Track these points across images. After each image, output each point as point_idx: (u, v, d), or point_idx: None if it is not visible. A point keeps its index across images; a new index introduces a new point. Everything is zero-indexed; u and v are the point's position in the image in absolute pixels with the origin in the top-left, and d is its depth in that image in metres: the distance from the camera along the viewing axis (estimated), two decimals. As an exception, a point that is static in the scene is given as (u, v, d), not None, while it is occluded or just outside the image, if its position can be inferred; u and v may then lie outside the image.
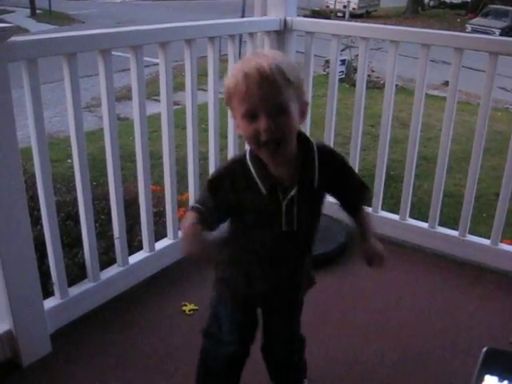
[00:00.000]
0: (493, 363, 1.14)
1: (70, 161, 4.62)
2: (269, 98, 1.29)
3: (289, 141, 1.36)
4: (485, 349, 1.17)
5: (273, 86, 1.29)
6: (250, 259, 1.53)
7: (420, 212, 3.33)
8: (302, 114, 1.38)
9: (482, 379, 1.09)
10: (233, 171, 1.43)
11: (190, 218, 1.38)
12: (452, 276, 2.65)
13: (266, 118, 1.29)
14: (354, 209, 1.58)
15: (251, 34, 2.71)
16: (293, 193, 1.40)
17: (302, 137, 1.42)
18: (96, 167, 3.60)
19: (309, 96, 2.97)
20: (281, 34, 2.86)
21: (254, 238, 1.49)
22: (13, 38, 1.70)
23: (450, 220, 3.43)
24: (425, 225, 2.84)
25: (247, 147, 1.43)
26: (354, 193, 1.56)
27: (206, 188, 1.44)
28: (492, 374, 1.09)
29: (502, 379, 1.08)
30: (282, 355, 1.79)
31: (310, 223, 1.50)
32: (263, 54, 1.41)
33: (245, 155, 1.43)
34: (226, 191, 1.41)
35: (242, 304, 1.61)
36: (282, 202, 1.41)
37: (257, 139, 1.32)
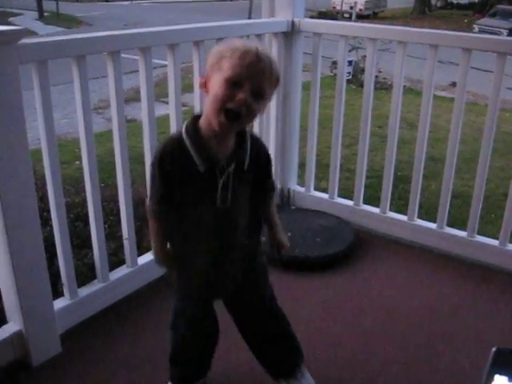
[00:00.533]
0: (502, 363, 1.15)
1: (78, 162, 4.65)
2: (260, 78, 1.39)
3: (246, 123, 1.47)
4: (494, 349, 1.17)
5: (270, 78, 1.41)
6: (191, 240, 1.60)
7: (428, 213, 3.32)
8: (263, 110, 1.48)
9: (491, 379, 1.09)
10: (171, 148, 1.48)
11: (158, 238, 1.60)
12: (460, 277, 2.64)
13: (248, 93, 1.37)
14: (263, 200, 1.66)
15: (259, 36, 2.72)
16: (229, 170, 1.48)
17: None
18: (104, 169, 3.61)
19: (317, 97, 2.99)
20: (288, 36, 2.87)
21: (193, 217, 1.55)
22: (23, 41, 1.72)
23: (458, 221, 3.43)
24: (433, 225, 2.83)
25: (184, 126, 1.49)
26: (267, 185, 1.66)
27: (155, 173, 1.49)
28: (501, 373, 1.10)
29: (511, 379, 1.08)
30: (258, 327, 1.80)
31: (242, 203, 1.56)
32: (266, 50, 1.50)
33: (181, 134, 1.48)
34: (168, 171, 1.47)
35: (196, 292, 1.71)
36: (219, 179, 1.48)
37: (223, 104, 1.37)
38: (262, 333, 1.80)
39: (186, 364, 1.82)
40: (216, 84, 1.39)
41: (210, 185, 1.49)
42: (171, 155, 1.47)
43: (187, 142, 1.46)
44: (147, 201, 1.57)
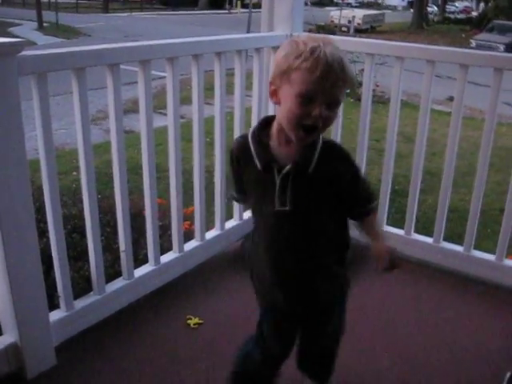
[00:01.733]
0: None
1: (75, 173, 4.65)
2: (334, 91, 1.34)
3: (323, 131, 1.41)
4: (509, 373, 1.16)
5: (343, 82, 1.34)
6: (259, 242, 1.57)
7: (425, 227, 3.33)
8: None
9: None
10: (237, 147, 1.54)
11: None
12: (456, 291, 2.64)
13: (323, 107, 1.33)
14: (359, 216, 1.59)
15: (257, 50, 2.74)
16: (286, 170, 1.43)
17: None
18: (101, 180, 3.62)
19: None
20: (287, 49, 2.88)
21: (258, 216, 1.57)
22: (23, 53, 1.72)
23: (454, 235, 3.43)
24: (429, 240, 2.84)
25: (252, 127, 1.51)
26: (356, 203, 1.56)
27: (230, 170, 1.59)
28: None
29: None
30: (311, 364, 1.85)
31: (309, 208, 1.48)
32: (335, 45, 1.37)
33: (247, 134, 1.50)
34: (236, 165, 1.55)
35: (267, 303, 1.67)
36: (276, 178, 1.44)
37: (300, 121, 1.35)
38: (312, 349, 1.82)
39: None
40: (288, 99, 1.36)
41: (270, 185, 1.46)
42: (237, 153, 1.53)
43: (250, 141, 1.48)
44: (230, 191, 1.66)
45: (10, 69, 1.69)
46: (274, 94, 1.41)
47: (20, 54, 1.71)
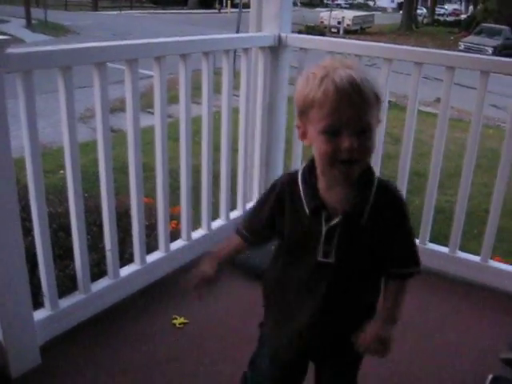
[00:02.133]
0: None
1: (62, 172, 4.62)
2: (357, 117, 1.21)
3: (364, 160, 1.28)
4: (491, 376, 1.17)
5: (363, 105, 1.22)
6: (284, 294, 1.42)
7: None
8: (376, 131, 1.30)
9: None
10: (285, 183, 1.37)
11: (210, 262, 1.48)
12: (442, 292, 2.66)
13: (350, 138, 1.21)
14: (390, 276, 1.41)
15: (246, 50, 2.74)
16: (336, 221, 1.29)
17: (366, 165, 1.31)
18: (88, 179, 3.59)
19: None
20: (275, 50, 2.89)
21: (288, 265, 1.39)
22: (10, 50, 1.71)
23: (440, 236, 3.45)
24: (415, 241, 2.84)
25: (302, 165, 1.37)
26: (397, 259, 1.38)
27: (263, 197, 1.43)
28: None
29: None
30: None
31: (353, 261, 1.33)
32: (348, 64, 1.25)
33: (297, 171, 1.37)
34: (274, 202, 1.38)
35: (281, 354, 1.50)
36: (323, 227, 1.30)
37: (333, 157, 1.24)
38: None
39: None
40: (314, 139, 1.26)
41: (314, 232, 1.31)
42: (282, 190, 1.36)
43: (300, 181, 1.34)
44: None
45: (-4, 66, 1.67)
46: (303, 136, 1.31)
47: (6, 51, 1.70)
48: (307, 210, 1.31)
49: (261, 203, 1.43)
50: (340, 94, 1.19)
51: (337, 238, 1.30)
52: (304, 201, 1.32)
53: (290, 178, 1.37)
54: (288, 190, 1.35)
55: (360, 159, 1.25)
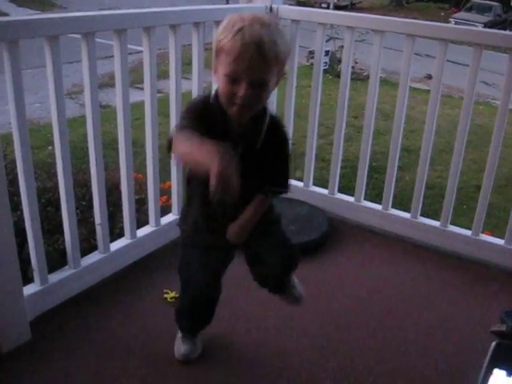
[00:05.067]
0: (502, 357, 1.16)
1: (50, 147, 4.57)
2: (256, 72, 1.40)
3: (256, 109, 1.50)
4: (494, 343, 1.18)
5: (264, 63, 1.39)
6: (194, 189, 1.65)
7: (401, 203, 3.34)
8: (276, 84, 1.51)
9: (490, 372, 1.10)
10: (204, 106, 1.52)
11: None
12: (433, 266, 2.67)
13: (246, 87, 1.41)
14: (261, 191, 1.64)
15: (236, 21, 2.69)
16: (240, 150, 1.47)
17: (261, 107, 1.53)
18: (77, 154, 3.55)
19: (293, 86, 2.97)
20: (266, 22, 2.84)
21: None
22: (-7, 19, 1.67)
23: (430, 211, 3.46)
24: (407, 215, 2.85)
25: (211, 94, 1.53)
26: (272, 178, 1.62)
27: (189, 116, 1.50)
28: (501, 367, 1.11)
29: (510, 373, 1.09)
30: (278, 276, 1.89)
31: (247, 180, 1.42)
32: (266, 23, 1.41)
33: (209, 97, 1.53)
34: (197, 118, 1.48)
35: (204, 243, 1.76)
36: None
37: (230, 98, 1.44)
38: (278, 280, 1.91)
39: (191, 317, 1.96)
40: (220, 78, 1.44)
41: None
42: (201, 109, 1.51)
43: (214, 105, 1.50)
44: (169, 139, 1.48)
45: (-20, 35, 1.63)
46: (215, 71, 1.48)
47: (-11, 20, 1.66)
48: (218, 134, 1.44)
49: (190, 119, 1.49)
50: (244, 48, 1.36)
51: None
52: (217, 127, 1.49)
53: (205, 101, 1.53)
54: (205, 111, 1.50)
55: (251, 106, 1.46)
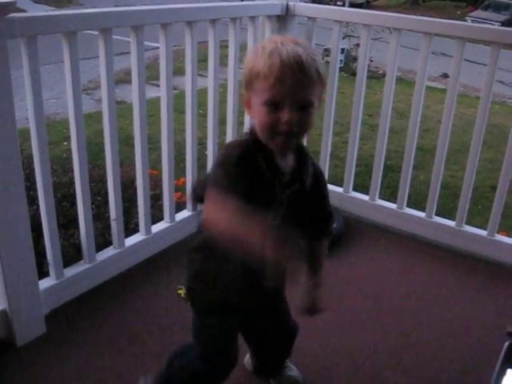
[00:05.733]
0: None
1: (65, 143, 4.60)
2: (299, 92, 1.26)
3: (303, 135, 1.34)
4: (507, 343, 1.18)
5: (306, 81, 1.25)
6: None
7: (416, 203, 3.33)
8: (318, 108, 1.34)
9: (504, 373, 1.09)
10: (243, 154, 1.32)
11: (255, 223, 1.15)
12: (447, 265, 2.65)
13: (291, 111, 1.26)
14: (315, 236, 1.52)
15: (252, 18, 2.69)
16: (294, 187, 1.38)
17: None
18: (92, 150, 3.56)
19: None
20: (282, 19, 2.84)
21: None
22: (12, 15, 1.68)
23: (444, 211, 3.43)
24: (422, 214, 2.84)
25: (247, 133, 1.38)
26: (321, 219, 1.53)
27: (230, 172, 1.28)
28: None
29: None
30: (281, 351, 1.76)
31: (295, 222, 1.39)
32: (296, 41, 1.30)
33: (246, 141, 1.36)
34: (244, 173, 1.29)
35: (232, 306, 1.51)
36: (279, 193, 1.37)
37: (273, 128, 1.28)
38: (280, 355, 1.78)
39: None
40: (257, 109, 1.30)
41: (268, 199, 1.36)
42: (242, 159, 1.30)
43: (253, 147, 1.33)
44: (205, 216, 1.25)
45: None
46: (247, 105, 1.34)
47: (8, 15, 1.66)
48: (268, 177, 1.33)
49: (230, 177, 1.27)
50: (284, 68, 1.23)
51: (285, 204, 1.38)
52: (265, 170, 1.33)
53: (244, 150, 1.33)
54: (247, 159, 1.31)
55: (298, 133, 1.30)
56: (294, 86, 1.24)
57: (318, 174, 1.48)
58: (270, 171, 1.34)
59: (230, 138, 2.77)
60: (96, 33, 2.02)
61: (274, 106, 1.26)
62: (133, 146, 2.35)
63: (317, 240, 1.53)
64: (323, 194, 1.51)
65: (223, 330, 1.54)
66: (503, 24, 20.80)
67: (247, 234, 1.13)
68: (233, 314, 1.53)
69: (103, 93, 2.12)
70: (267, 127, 1.29)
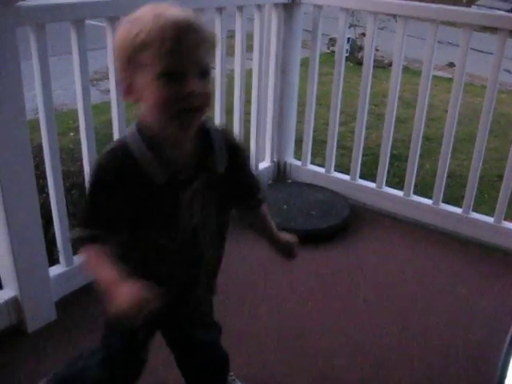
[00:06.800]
0: None
1: (72, 134, 4.62)
2: (199, 56, 1.06)
3: (205, 111, 1.13)
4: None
5: (204, 43, 1.07)
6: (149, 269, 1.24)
7: (422, 192, 3.33)
8: None
9: (511, 356, 1.10)
10: (114, 162, 1.14)
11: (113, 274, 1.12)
12: (455, 253, 2.66)
13: (194, 80, 1.05)
14: (251, 208, 1.39)
15: (259, 6, 2.69)
16: (197, 183, 1.18)
17: None
18: (99, 141, 3.57)
19: (315, 73, 2.97)
20: (288, 7, 2.84)
21: (150, 243, 1.22)
22: (20, 3, 1.69)
23: (451, 200, 3.43)
24: (429, 201, 2.85)
25: (130, 130, 1.16)
26: (249, 193, 1.35)
27: (94, 196, 1.17)
28: None
29: None
30: (206, 354, 1.57)
31: (211, 219, 1.26)
32: (171, 5, 1.09)
33: (124, 143, 1.15)
34: (112, 186, 1.14)
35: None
36: (183, 193, 1.18)
37: (174, 105, 1.06)
38: (207, 358, 1.58)
39: None
40: (146, 88, 1.07)
41: (171, 201, 1.17)
42: (115, 167, 1.13)
43: (135, 151, 1.13)
44: (75, 231, 1.21)
45: (8, 18, 1.65)
46: (129, 90, 1.10)
47: (17, 3, 1.67)
48: (160, 180, 1.13)
49: (101, 196, 1.16)
50: (178, 29, 1.03)
51: (200, 198, 1.20)
52: (150, 171, 1.13)
53: (119, 153, 1.14)
54: (124, 167, 1.13)
55: (204, 106, 1.10)
56: (193, 49, 1.04)
57: (235, 149, 1.26)
58: (161, 173, 1.14)
59: (236, 128, 2.78)
60: (101, 24, 2.03)
61: (170, 76, 1.04)
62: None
63: (254, 210, 1.39)
64: (244, 171, 1.31)
65: (128, 341, 1.45)
66: (510, 12, 20.68)
67: (99, 277, 1.12)
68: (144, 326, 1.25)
69: (111, 83, 2.12)
70: (165, 104, 1.06)
